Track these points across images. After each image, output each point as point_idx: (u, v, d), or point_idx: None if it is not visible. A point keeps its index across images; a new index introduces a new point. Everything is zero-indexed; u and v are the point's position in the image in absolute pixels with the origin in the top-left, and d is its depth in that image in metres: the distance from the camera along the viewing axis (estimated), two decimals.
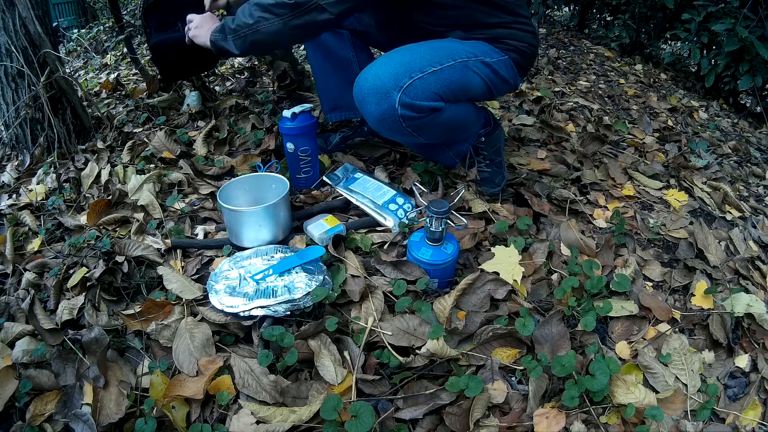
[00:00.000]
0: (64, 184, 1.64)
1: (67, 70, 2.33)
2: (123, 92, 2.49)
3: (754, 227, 1.49)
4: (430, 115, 1.13)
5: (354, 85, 1.13)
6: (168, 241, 1.26)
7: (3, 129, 1.94)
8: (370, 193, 1.36)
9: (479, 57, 1.20)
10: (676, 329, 1.09)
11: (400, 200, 1.33)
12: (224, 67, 2.66)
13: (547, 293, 1.16)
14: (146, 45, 2.13)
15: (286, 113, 1.39)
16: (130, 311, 1.08)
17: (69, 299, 1.12)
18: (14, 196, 1.67)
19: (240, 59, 2.78)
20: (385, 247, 1.25)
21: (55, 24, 3.50)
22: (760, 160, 2.08)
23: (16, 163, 1.86)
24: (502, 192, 1.44)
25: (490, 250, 1.21)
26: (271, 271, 1.09)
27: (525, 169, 1.60)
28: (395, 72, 1.08)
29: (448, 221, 1.05)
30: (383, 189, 1.37)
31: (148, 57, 2.22)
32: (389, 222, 1.29)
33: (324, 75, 1.53)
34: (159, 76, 2.18)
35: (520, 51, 1.28)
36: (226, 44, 1.20)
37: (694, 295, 1.18)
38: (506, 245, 1.20)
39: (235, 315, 1.02)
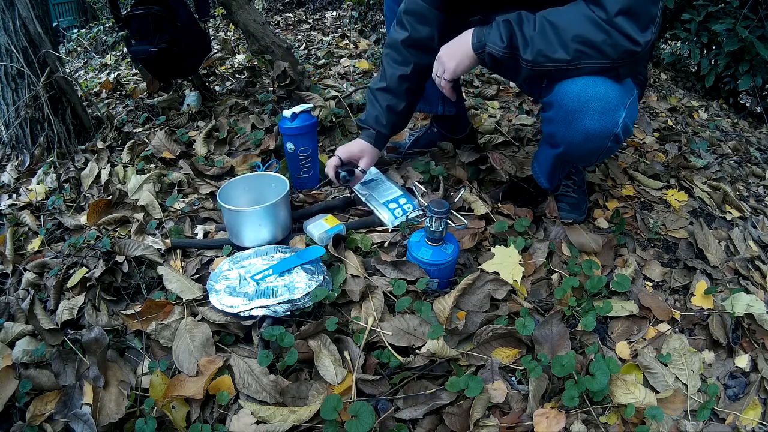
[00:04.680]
0: (64, 184, 1.65)
1: (67, 70, 2.33)
2: (123, 92, 2.50)
3: (754, 227, 1.49)
4: (622, 142, 1.05)
5: (562, 94, 1.01)
6: (168, 241, 1.26)
7: (3, 129, 1.94)
8: (377, 192, 1.37)
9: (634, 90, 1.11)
10: (676, 329, 1.09)
11: (402, 200, 1.33)
12: (224, 67, 2.66)
13: (547, 293, 1.16)
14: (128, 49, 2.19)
15: (286, 113, 1.39)
16: (130, 311, 1.08)
17: (69, 299, 1.12)
18: (14, 196, 1.67)
19: (239, 58, 2.78)
20: (385, 246, 1.25)
21: (55, 24, 3.51)
22: (760, 160, 2.08)
23: (16, 163, 1.86)
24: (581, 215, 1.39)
25: (490, 250, 1.21)
26: (271, 271, 1.09)
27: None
28: (619, 88, 0.98)
29: (448, 221, 1.05)
30: (391, 189, 1.38)
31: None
32: (384, 216, 1.29)
33: None
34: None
35: (642, 85, 1.19)
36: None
37: (694, 295, 1.18)
38: (506, 245, 1.20)
39: (235, 315, 1.02)
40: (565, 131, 1.05)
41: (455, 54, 1.09)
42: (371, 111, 1.34)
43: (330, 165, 1.33)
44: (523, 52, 0.98)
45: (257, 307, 1.01)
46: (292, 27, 4.09)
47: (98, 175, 1.65)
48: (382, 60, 1.32)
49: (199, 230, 1.34)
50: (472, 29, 1.06)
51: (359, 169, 1.34)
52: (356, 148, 1.33)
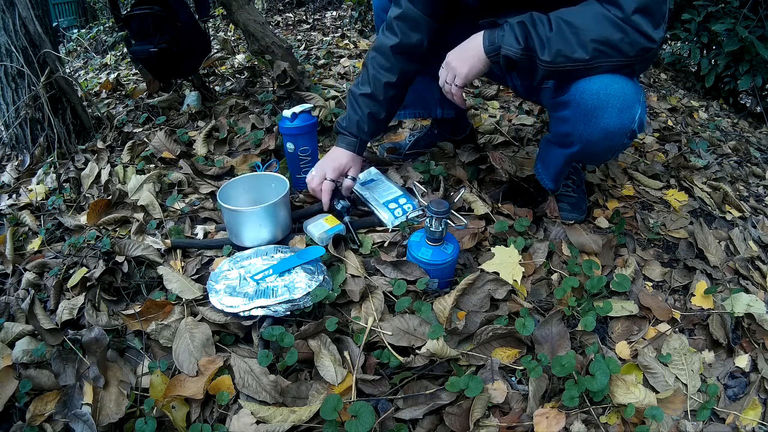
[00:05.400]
0: (64, 184, 1.65)
1: (67, 70, 2.33)
2: (123, 92, 2.50)
3: (754, 227, 1.49)
4: (635, 138, 1.06)
5: (581, 92, 1.01)
6: (168, 241, 1.26)
7: (3, 129, 1.94)
8: (377, 192, 1.37)
9: None
10: (676, 329, 1.09)
11: (402, 200, 1.33)
12: (224, 67, 2.66)
13: (547, 293, 1.16)
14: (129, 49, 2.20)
15: (286, 113, 1.39)
16: (130, 311, 1.08)
17: (69, 299, 1.12)
18: (14, 196, 1.67)
19: (239, 58, 2.78)
20: (385, 246, 1.25)
21: (55, 24, 3.51)
22: (760, 160, 2.08)
23: (16, 163, 1.86)
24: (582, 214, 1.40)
25: (490, 250, 1.21)
26: (271, 271, 1.09)
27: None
28: (634, 85, 0.99)
29: (448, 221, 1.05)
30: (391, 189, 1.38)
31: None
32: (384, 216, 1.29)
33: None
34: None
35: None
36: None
37: (694, 295, 1.18)
38: (506, 245, 1.20)
39: (235, 315, 1.02)
40: (584, 129, 1.05)
41: (466, 59, 1.06)
42: (352, 116, 1.30)
43: (325, 190, 1.27)
44: (540, 53, 0.97)
45: (257, 307, 1.01)
46: (292, 27, 4.09)
47: (98, 175, 1.65)
48: (367, 62, 1.30)
49: (199, 230, 1.34)
50: (480, 33, 1.04)
51: (350, 177, 1.31)
52: (342, 162, 1.30)
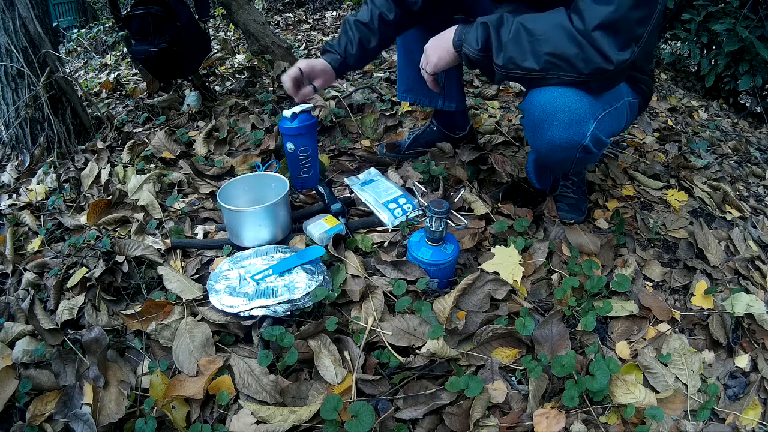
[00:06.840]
0: (64, 184, 1.65)
1: (67, 70, 2.33)
2: (123, 92, 2.50)
3: (754, 227, 1.49)
4: (599, 152, 1.04)
5: (530, 102, 1.01)
6: (168, 241, 1.26)
7: (3, 129, 1.94)
8: (377, 192, 1.37)
9: (629, 98, 1.13)
10: (676, 329, 1.09)
11: (402, 200, 1.33)
12: (224, 67, 2.66)
13: (547, 293, 1.16)
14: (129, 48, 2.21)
15: (286, 113, 1.39)
16: (130, 311, 1.08)
17: (69, 299, 1.12)
18: (14, 196, 1.67)
19: (239, 58, 2.78)
20: (385, 246, 1.25)
21: (55, 24, 3.51)
22: (760, 160, 2.08)
23: (16, 163, 1.86)
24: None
25: (490, 250, 1.21)
26: (271, 271, 1.09)
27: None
28: (591, 100, 0.97)
29: (448, 221, 1.05)
30: (391, 189, 1.38)
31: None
32: (383, 216, 1.29)
33: (408, 58, 1.52)
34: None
35: (645, 95, 1.21)
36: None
37: (694, 295, 1.18)
38: (506, 245, 1.20)
39: (235, 315, 1.02)
40: (533, 140, 1.06)
41: (437, 49, 1.08)
42: (343, 39, 1.31)
43: (290, 75, 1.28)
44: (495, 57, 0.96)
45: (257, 307, 1.01)
46: (292, 27, 4.09)
47: (98, 175, 1.65)
48: (367, 1, 1.30)
49: (199, 230, 1.34)
50: (456, 26, 1.05)
51: (312, 85, 1.31)
52: (319, 66, 1.29)
